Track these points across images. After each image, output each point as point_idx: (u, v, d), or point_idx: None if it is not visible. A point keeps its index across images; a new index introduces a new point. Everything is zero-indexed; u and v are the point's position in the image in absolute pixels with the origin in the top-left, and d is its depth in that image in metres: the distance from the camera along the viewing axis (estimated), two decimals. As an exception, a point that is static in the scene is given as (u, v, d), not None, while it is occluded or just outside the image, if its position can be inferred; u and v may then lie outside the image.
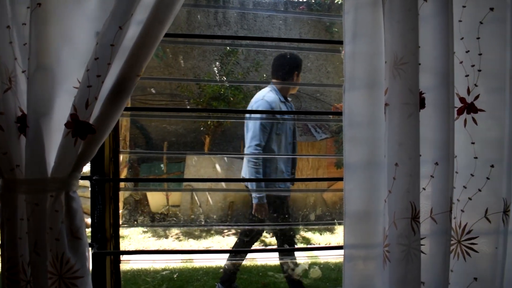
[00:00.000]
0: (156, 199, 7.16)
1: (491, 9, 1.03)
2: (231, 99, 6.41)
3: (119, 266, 1.26)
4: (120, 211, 6.86)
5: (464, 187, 1.03)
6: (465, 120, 1.02)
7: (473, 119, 1.02)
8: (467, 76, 1.02)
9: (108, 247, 1.22)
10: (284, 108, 3.02)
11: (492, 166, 1.02)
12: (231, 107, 6.47)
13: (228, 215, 7.13)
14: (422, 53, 0.97)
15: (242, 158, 7.27)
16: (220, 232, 6.81)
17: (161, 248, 6.35)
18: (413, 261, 0.94)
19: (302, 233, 7.01)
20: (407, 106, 0.93)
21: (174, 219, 7.14)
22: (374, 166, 0.98)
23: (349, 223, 0.99)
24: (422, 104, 0.96)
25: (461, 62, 1.03)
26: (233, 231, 6.78)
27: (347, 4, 0.99)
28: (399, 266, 0.94)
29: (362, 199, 0.99)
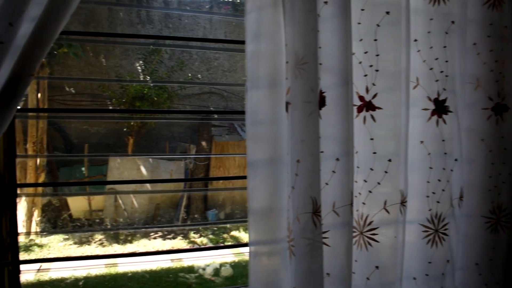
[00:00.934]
0: (77, 204, 6.88)
1: (387, 12, 1.09)
2: (155, 99, 6.31)
3: (18, 277, 1.20)
4: (38, 219, 6.51)
5: (365, 181, 1.09)
6: (365, 118, 1.09)
7: (372, 117, 1.09)
8: (365, 75, 1.08)
9: (6, 257, 1.15)
10: None
11: (390, 160, 1.09)
12: (155, 107, 6.36)
13: (154, 218, 7.01)
14: (323, 53, 1.02)
15: (169, 159, 7.18)
16: (147, 235, 6.68)
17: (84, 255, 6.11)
18: (317, 253, 0.99)
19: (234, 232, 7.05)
20: (308, 105, 0.97)
21: (97, 224, 6.90)
22: (277, 163, 1.01)
23: (253, 220, 1.02)
24: (323, 103, 1.01)
25: (360, 62, 1.09)
26: (160, 233, 6.68)
27: (249, 5, 1.01)
28: (304, 259, 0.97)
29: (265, 196, 1.02)
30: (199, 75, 7.15)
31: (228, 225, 7.05)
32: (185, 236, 6.64)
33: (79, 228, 6.74)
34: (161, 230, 6.61)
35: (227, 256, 5.38)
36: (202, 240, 6.53)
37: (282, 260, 1.02)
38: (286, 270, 1.02)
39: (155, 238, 6.54)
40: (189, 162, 6.97)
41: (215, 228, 6.97)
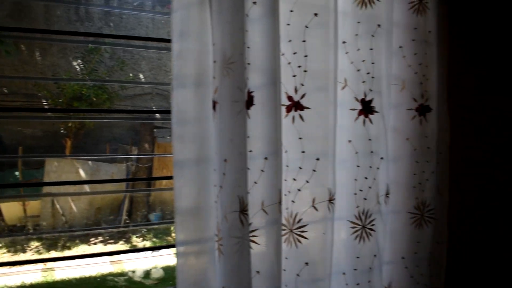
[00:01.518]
0: (11, 210, 6.55)
1: (316, 14, 1.13)
2: (94, 99, 6.14)
3: None
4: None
5: (294, 179, 1.12)
6: (293, 117, 1.11)
7: (300, 116, 1.11)
8: (294, 76, 1.11)
9: None
10: None
11: (318, 159, 1.13)
12: (94, 107, 6.18)
13: (94, 222, 6.80)
14: (251, 53, 1.03)
15: (110, 162, 6.99)
16: (86, 241, 6.47)
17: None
18: (246, 252, 1.00)
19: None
20: (236, 104, 0.98)
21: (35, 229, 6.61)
22: (204, 162, 1.02)
23: (180, 220, 1.02)
24: (251, 102, 1.02)
25: (289, 63, 1.11)
26: (101, 238, 6.50)
27: (175, 3, 1.01)
28: (233, 258, 0.99)
29: (192, 196, 1.02)
30: (141, 75, 7.03)
31: (172, 227, 6.96)
32: (127, 240, 6.49)
33: (14, 234, 6.43)
34: (102, 235, 6.43)
35: (172, 258, 5.31)
36: (145, 244, 6.41)
37: (210, 259, 1.03)
38: (215, 269, 1.02)
39: (95, 243, 6.35)
40: (131, 164, 6.83)
41: (159, 231, 6.87)
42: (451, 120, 1.43)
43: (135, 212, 7.10)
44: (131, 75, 6.89)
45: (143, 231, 6.73)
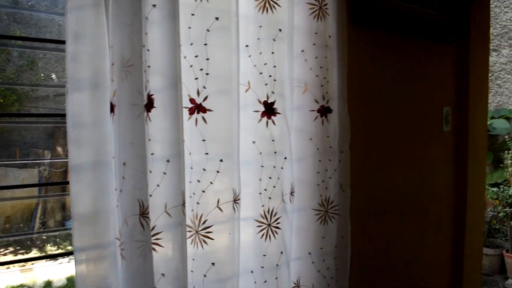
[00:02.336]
0: None
1: (217, 18, 1.15)
2: (1, 101, 5.76)
3: None
4: None
5: (198, 181, 1.14)
6: (196, 120, 1.13)
7: (203, 119, 1.14)
8: (196, 79, 1.13)
9: None
10: None
11: (221, 160, 1.16)
12: (1, 110, 5.81)
13: (4, 232, 6.39)
14: (152, 56, 1.04)
15: (20, 166, 6.59)
16: (-6, 253, 6.06)
17: None
18: (149, 255, 1.01)
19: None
20: (136, 107, 0.99)
21: None
22: (102, 166, 1.02)
23: (78, 226, 1.00)
24: (151, 105, 1.03)
25: (191, 66, 1.13)
26: (11, 249, 6.12)
27: (69, 4, 1.00)
28: (135, 262, 0.99)
29: (90, 200, 1.01)
30: (53, 75, 6.71)
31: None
32: (41, 250, 6.17)
33: None
34: (12, 245, 6.06)
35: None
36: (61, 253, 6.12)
37: (111, 264, 1.02)
38: (117, 274, 1.02)
39: (5, 254, 5.97)
40: (43, 169, 6.49)
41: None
42: (352, 120, 1.52)
43: (49, 220, 6.76)
44: (42, 75, 6.55)
45: (57, 240, 6.43)
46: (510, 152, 4.78)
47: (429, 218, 2.17)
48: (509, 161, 4.74)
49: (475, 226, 2.40)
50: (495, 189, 4.75)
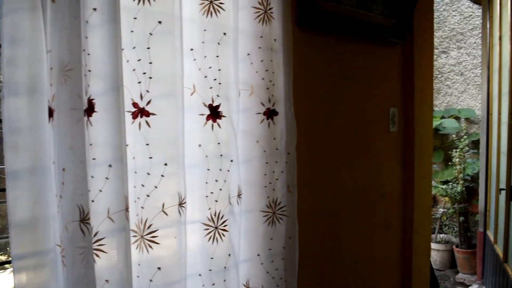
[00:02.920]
0: None
1: (160, 22, 1.16)
2: None
3: None
4: None
5: (143, 185, 1.15)
6: (140, 124, 1.14)
7: (147, 123, 1.15)
8: (139, 82, 1.14)
9: None
10: None
11: (166, 164, 1.17)
12: None
13: None
14: (93, 60, 1.04)
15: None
16: None
17: None
18: (91, 261, 1.00)
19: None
20: (75, 112, 0.98)
21: None
22: (41, 172, 1.01)
23: (16, 234, 0.99)
24: (92, 109, 1.03)
25: (134, 70, 1.14)
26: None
27: (5, 8, 0.99)
28: (77, 268, 0.99)
29: (28, 207, 1.00)
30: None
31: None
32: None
33: None
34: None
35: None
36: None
37: (51, 272, 1.02)
38: (57, 282, 1.01)
39: None
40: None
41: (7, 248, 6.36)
42: (299, 122, 1.56)
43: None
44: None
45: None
46: (457, 150, 4.99)
47: (377, 216, 2.25)
48: (457, 160, 4.95)
49: (423, 223, 2.51)
50: (444, 186, 4.95)
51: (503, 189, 3.14)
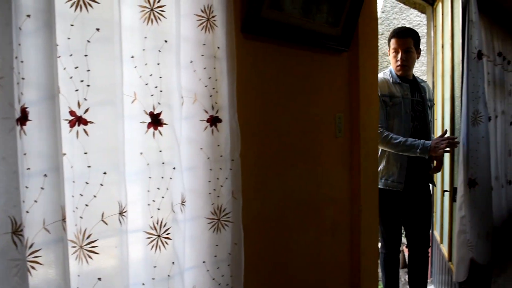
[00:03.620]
0: None
1: (98, 29, 1.16)
2: None
3: None
4: None
5: (81, 195, 1.14)
6: (77, 132, 1.13)
7: (85, 131, 1.14)
8: (77, 90, 1.13)
9: None
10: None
11: (105, 173, 1.16)
12: None
13: None
14: (26, 67, 1.03)
15: None
16: None
17: None
18: (26, 274, 0.98)
19: None
20: (8, 121, 0.96)
21: None
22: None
23: None
24: (26, 118, 1.01)
25: (71, 77, 1.13)
26: None
27: None
28: (11, 281, 0.96)
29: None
30: None
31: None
32: None
33: None
34: None
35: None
36: None
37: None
38: (-11, 297, 0.98)
39: None
40: None
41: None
42: (244, 129, 1.58)
43: None
44: None
45: None
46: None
47: (325, 221, 2.30)
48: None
49: (370, 226, 2.59)
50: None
51: (446, 191, 3.28)
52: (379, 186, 2.64)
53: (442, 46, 3.46)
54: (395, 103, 2.88)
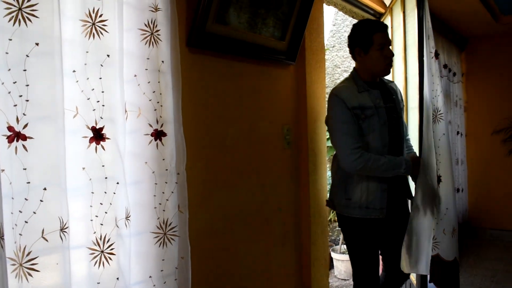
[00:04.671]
0: None
1: (37, 44, 1.17)
2: None
3: None
4: None
5: (20, 211, 1.13)
6: (16, 148, 1.13)
7: (24, 146, 1.14)
8: (15, 105, 1.13)
9: None
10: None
11: (45, 189, 1.16)
12: None
13: None
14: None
15: None
16: None
17: None
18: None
19: None
20: None
21: None
22: None
23: None
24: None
25: (9, 92, 1.13)
26: None
27: None
28: None
29: None
30: None
31: None
32: None
33: None
34: None
35: None
36: None
37: None
38: None
39: None
40: None
41: None
42: (191, 142, 1.61)
43: None
44: None
45: None
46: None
47: (275, 231, 2.35)
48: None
49: (321, 236, 2.66)
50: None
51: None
52: (357, 216, 2.31)
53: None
54: (367, 116, 2.32)
